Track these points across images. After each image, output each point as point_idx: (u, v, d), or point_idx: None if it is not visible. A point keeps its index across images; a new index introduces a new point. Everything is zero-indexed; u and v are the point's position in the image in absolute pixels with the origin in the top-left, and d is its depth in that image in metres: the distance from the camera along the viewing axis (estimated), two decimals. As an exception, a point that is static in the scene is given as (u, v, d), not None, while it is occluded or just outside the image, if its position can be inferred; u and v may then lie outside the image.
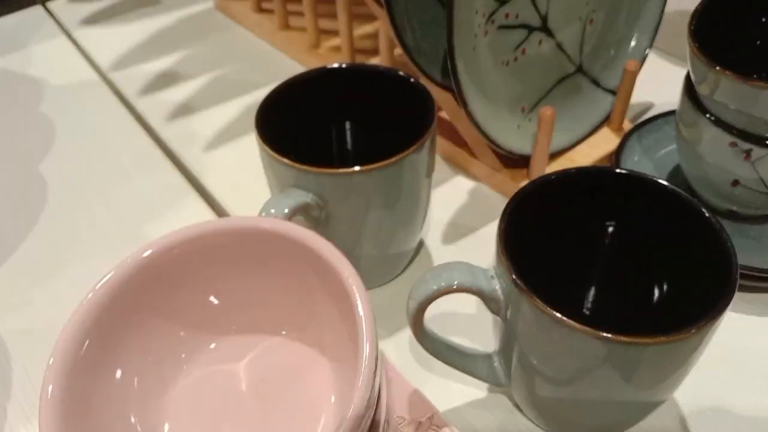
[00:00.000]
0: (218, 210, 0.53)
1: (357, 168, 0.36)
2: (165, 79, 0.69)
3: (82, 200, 0.55)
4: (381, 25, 0.58)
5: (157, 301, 0.30)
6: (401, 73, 0.41)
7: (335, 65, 0.43)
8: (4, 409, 0.40)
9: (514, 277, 0.29)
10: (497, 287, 0.30)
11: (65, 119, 0.65)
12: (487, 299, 0.31)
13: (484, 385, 0.39)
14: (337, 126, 0.46)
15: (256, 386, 0.32)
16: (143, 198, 0.55)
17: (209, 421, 0.31)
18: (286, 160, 0.36)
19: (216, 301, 0.32)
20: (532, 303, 0.29)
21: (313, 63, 0.67)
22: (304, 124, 0.44)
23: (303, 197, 0.37)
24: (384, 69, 0.42)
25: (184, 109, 0.64)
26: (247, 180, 0.55)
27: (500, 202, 0.51)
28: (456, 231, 0.49)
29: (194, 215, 0.53)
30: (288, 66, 0.69)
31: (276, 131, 0.39)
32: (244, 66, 0.70)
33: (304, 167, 0.36)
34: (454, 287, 0.30)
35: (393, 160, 0.36)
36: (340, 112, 0.45)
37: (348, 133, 0.46)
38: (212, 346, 0.33)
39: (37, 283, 0.48)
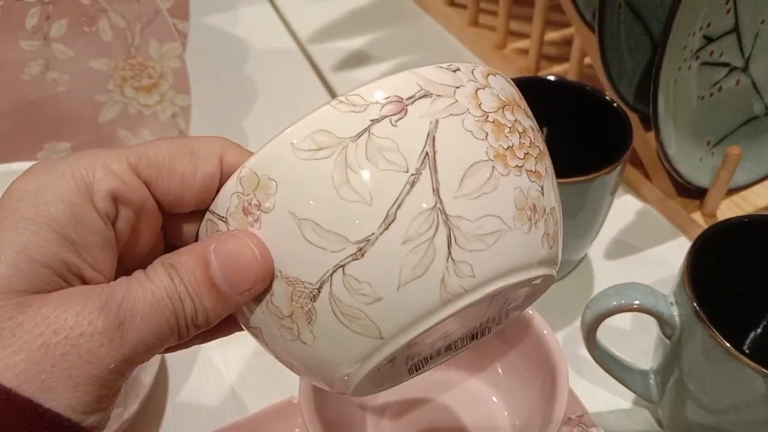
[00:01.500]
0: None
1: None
2: (356, 58, 0.74)
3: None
4: (576, 37, 0.60)
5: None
6: (607, 97, 0.44)
7: (548, 77, 0.46)
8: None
9: (695, 306, 0.32)
10: (675, 313, 0.33)
11: (266, 82, 0.71)
12: (664, 323, 0.33)
13: (629, 396, 0.42)
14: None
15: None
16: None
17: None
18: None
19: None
20: (709, 333, 0.31)
21: (497, 63, 0.70)
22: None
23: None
24: (591, 89, 0.45)
25: (373, 90, 0.69)
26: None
27: (667, 228, 0.52)
28: (619, 248, 0.51)
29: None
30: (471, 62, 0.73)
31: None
32: (428, 56, 0.74)
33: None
34: (635, 306, 0.33)
35: (581, 178, 0.39)
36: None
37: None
38: None
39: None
